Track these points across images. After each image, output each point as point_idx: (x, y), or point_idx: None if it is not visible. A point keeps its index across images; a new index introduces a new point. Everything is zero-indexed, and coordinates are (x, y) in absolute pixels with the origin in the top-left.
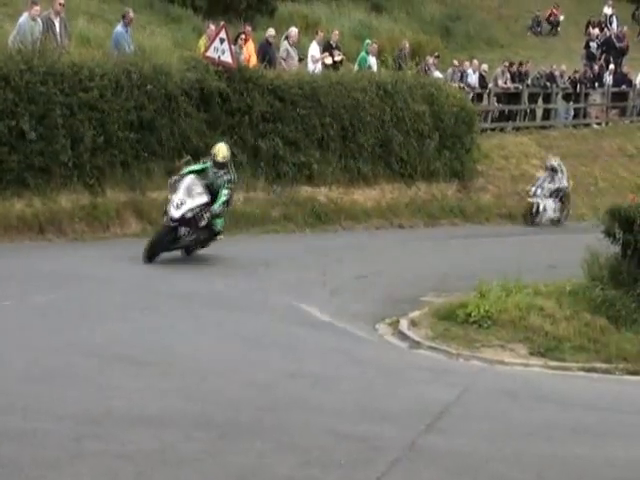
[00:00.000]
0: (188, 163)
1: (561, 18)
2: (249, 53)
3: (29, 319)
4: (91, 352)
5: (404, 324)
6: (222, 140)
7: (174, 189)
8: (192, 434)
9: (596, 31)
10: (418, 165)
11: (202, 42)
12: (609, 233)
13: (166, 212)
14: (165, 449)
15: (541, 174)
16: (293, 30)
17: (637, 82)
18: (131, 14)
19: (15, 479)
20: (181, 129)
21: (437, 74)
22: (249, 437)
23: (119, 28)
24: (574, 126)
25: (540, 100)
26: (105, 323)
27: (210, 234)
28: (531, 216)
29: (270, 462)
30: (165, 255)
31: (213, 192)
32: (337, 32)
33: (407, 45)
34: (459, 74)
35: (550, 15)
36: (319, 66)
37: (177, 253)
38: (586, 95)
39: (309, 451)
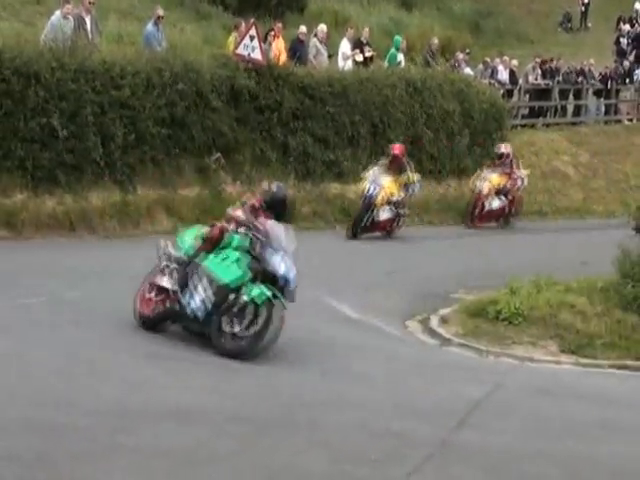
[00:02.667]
0: (218, 160)
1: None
2: (279, 50)
3: (63, 315)
4: (123, 348)
5: (434, 321)
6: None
7: None
8: (225, 430)
9: (627, 27)
10: (448, 162)
11: (232, 39)
12: None
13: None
14: (198, 445)
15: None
16: (322, 27)
17: None
18: (160, 12)
19: (49, 473)
20: (212, 126)
21: (467, 70)
22: (282, 434)
23: (149, 27)
24: (605, 122)
25: (571, 96)
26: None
27: None
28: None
29: (303, 459)
30: None
31: None
32: (367, 29)
33: (436, 41)
34: (489, 70)
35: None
36: (349, 63)
37: None
38: (617, 91)
39: (341, 447)
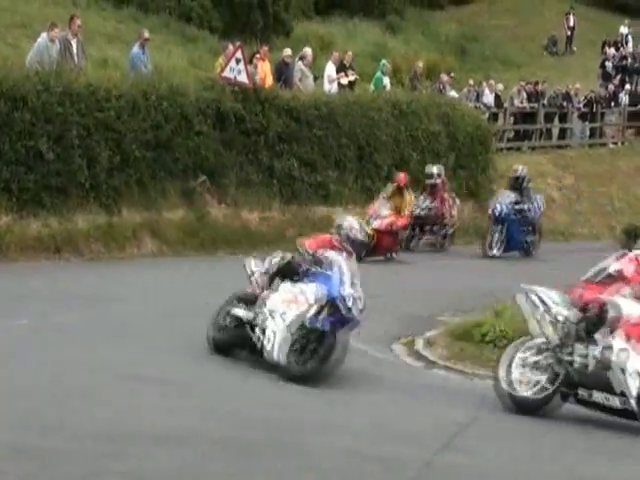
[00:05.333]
0: (204, 183)
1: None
2: (265, 73)
3: (47, 338)
4: (110, 372)
5: (420, 344)
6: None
7: None
8: (211, 454)
9: (612, 50)
10: None
11: (219, 62)
12: None
13: None
14: (185, 469)
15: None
16: (307, 51)
17: None
18: (146, 34)
19: None
20: (197, 149)
21: (452, 93)
22: (268, 457)
23: (135, 49)
24: (590, 146)
25: (556, 119)
26: (123, 343)
27: None
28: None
29: None
30: (182, 273)
31: None
32: (350, 53)
33: (421, 65)
34: (475, 94)
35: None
36: (335, 86)
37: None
38: (602, 115)
39: (327, 471)
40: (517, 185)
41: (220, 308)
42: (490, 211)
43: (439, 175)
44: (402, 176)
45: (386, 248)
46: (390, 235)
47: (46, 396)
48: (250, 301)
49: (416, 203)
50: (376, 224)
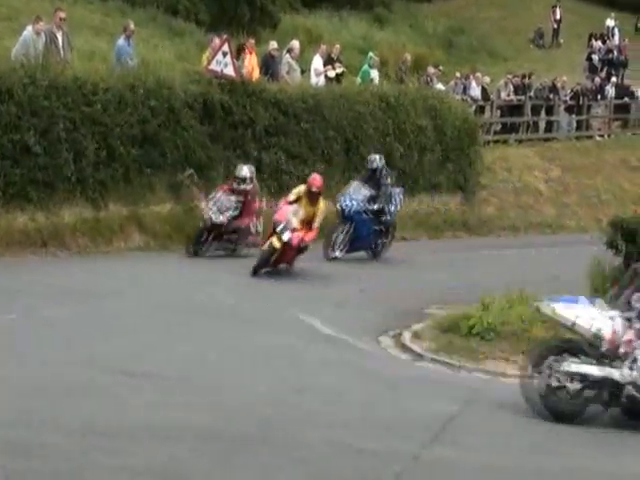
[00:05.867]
0: (191, 176)
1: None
2: (252, 66)
3: (35, 333)
4: (99, 366)
5: (407, 336)
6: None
7: None
8: (200, 448)
9: (598, 43)
10: (420, 178)
11: (206, 55)
12: (612, 245)
13: None
14: (173, 463)
15: None
16: (295, 43)
17: (639, 94)
18: (132, 26)
19: None
20: (184, 142)
21: (439, 86)
22: (257, 451)
23: (121, 41)
24: (577, 138)
25: (543, 112)
26: (112, 338)
27: None
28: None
29: (278, 476)
30: (174, 267)
31: None
32: (338, 46)
33: (409, 58)
34: (462, 86)
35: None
36: (322, 79)
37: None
38: (588, 107)
39: (316, 464)
40: (374, 178)
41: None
42: (338, 206)
43: (251, 179)
44: (317, 179)
45: (287, 261)
46: (296, 250)
47: (36, 391)
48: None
49: (227, 206)
50: (287, 237)
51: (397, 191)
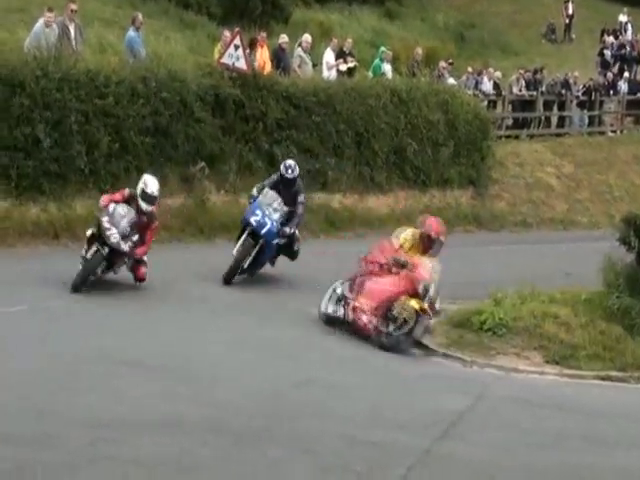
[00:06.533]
0: (202, 169)
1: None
2: (263, 59)
3: (44, 324)
4: (106, 358)
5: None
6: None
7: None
8: (206, 440)
9: (611, 39)
10: (432, 172)
11: (217, 49)
12: (624, 241)
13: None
14: (179, 455)
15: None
16: (306, 37)
17: None
18: (140, 18)
19: None
20: (196, 135)
21: (451, 80)
22: (263, 443)
23: (131, 32)
24: (589, 134)
25: (555, 108)
26: (119, 329)
27: None
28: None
29: (286, 468)
30: (176, 262)
31: None
32: (350, 40)
33: (420, 52)
34: (473, 81)
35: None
36: (334, 73)
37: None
38: (601, 103)
39: (324, 457)
40: (290, 191)
41: None
42: (251, 219)
43: (156, 198)
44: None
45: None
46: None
47: (41, 382)
48: None
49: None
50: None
51: (301, 197)
